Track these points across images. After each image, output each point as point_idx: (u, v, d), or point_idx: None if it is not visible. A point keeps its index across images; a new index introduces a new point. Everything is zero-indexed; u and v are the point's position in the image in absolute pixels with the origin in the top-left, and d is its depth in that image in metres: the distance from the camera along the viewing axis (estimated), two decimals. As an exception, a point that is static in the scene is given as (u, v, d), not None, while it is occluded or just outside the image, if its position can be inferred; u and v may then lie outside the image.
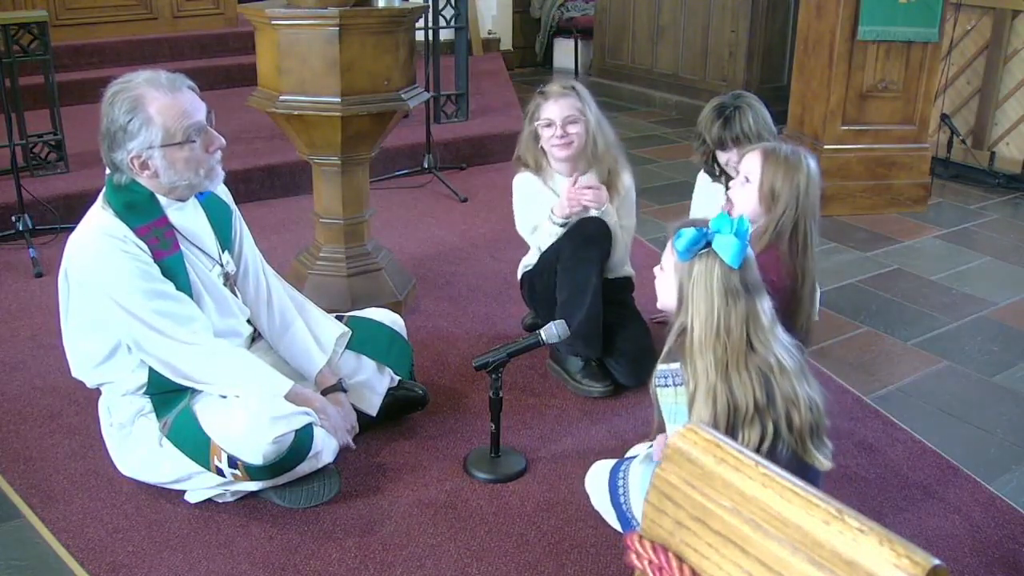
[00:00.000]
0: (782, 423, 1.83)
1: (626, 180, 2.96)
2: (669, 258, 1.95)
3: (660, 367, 1.98)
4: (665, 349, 1.96)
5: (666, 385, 1.96)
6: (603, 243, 2.81)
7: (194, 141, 2.14)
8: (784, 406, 1.83)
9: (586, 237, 2.78)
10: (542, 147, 2.92)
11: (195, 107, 2.16)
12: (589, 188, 2.79)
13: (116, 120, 2.09)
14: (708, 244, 1.84)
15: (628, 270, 3.06)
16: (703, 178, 3.03)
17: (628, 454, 2.29)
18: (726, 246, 1.83)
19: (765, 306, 1.88)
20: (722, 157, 2.83)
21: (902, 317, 3.50)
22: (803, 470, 1.83)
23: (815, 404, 1.87)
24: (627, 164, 3.00)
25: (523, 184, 3.01)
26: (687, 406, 1.91)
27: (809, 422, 1.85)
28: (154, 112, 2.09)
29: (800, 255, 2.24)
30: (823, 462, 1.88)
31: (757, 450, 1.79)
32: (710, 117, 2.80)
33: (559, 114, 2.85)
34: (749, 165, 2.33)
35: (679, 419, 1.94)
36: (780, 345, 1.87)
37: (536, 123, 2.89)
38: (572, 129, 2.85)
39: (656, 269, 2.04)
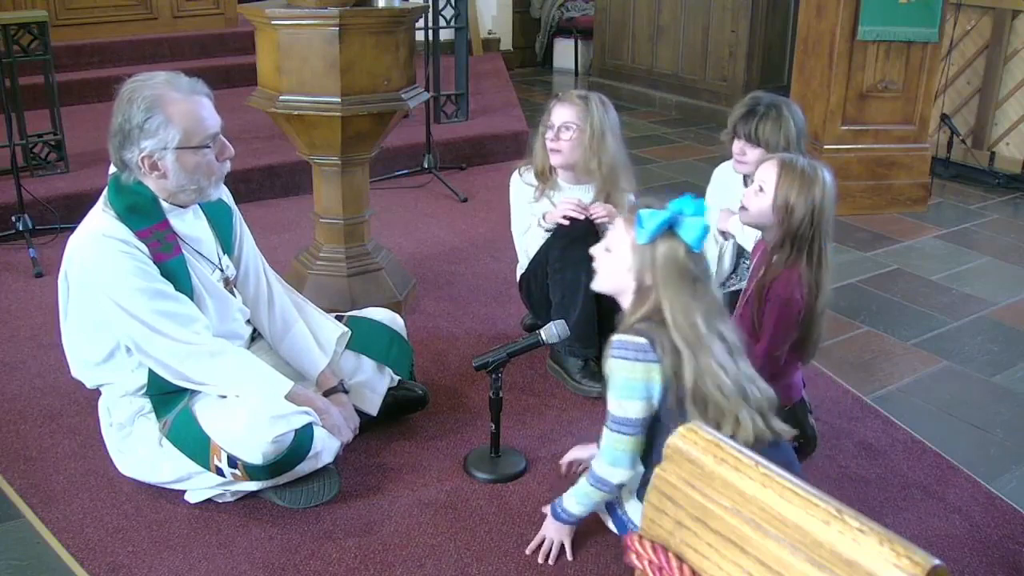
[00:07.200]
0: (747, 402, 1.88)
1: (626, 204, 2.88)
2: (621, 240, 1.95)
3: (624, 338, 1.90)
4: (626, 325, 1.92)
5: (625, 359, 1.89)
6: (589, 242, 2.78)
7: (208, 147, 2.15)
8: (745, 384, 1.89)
9: (572, 239, 2.77)
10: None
11: (212, 114, 2.17)
12: (575, 205, 2.78)
13: (133, 117, 2.07)
14: (670, 226, 1.85)
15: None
16: (722, 171, 2.98)
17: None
18: (693, 228, 1.84)
19: (716, 292, 1.95)
20: (735, 146, 2.76)
21: (902, 317, 3.50)
22: (772, 446, 1.88)
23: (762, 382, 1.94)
24: (632, 187, 2.92)
25: (515, 185, 3.03)
26: (658, 382, 1.88)
27: (767, 396, 1.91)
28: (173, 114, 2.08)
29: (816, 268, 2.22)
30: (786, 429, 1.93)
31: (732, 436, 1.83)
32: (741, 103, 2.77)
33: (558, 119, 2.85)
34: (764, 175, 2.27)
35: (634, 395, 1.88)
36: (728, 328, 1.92)
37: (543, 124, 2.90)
38: (563, 135, 2.83)
39: (598, 250, 2.03)
